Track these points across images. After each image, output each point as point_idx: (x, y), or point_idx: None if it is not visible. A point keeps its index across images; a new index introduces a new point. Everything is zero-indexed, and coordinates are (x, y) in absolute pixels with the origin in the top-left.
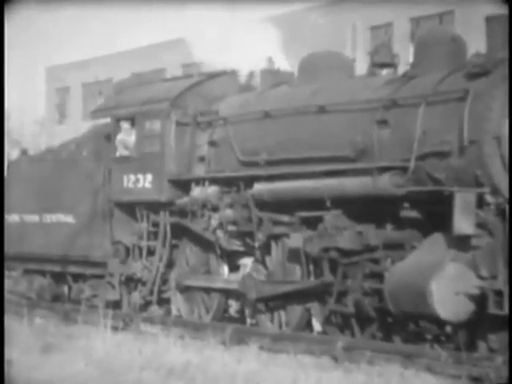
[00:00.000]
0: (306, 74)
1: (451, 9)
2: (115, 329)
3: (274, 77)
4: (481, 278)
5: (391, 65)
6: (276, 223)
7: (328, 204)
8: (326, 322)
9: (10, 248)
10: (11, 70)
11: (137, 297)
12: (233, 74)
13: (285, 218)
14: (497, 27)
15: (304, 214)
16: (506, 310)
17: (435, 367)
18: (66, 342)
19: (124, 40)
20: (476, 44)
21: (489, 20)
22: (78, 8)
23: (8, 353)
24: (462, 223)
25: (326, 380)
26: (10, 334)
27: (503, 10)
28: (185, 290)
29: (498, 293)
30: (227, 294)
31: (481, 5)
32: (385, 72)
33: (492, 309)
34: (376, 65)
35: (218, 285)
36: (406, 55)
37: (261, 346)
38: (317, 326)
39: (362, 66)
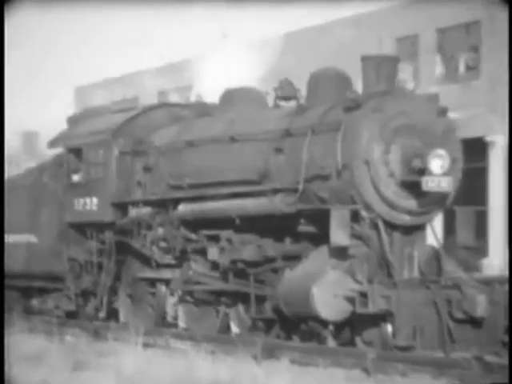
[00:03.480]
0: (224, 106)
1: (477, 19)
2: (145, 345)
3: (201, 108)
4: (358, 282)
5: (294, 97)
6: (188, 240)
7: (237, 222)
8: (242, 324)
9: None
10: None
11: (90, 307)
12: (170, 105)
13: (193, 236)
14: (370, 65)
15: (206, 232)
16: (371, 309)
17: (467, 378)
18: (96, 359)
19: (151, 57)
20: (502, 54)
21: (364, 59)
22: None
23: (39, 371)
24: (338, 236)
25: None
26: (41, 352)
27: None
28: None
29: (363, 294)
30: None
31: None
32: (288, 104)
33: (359, 308)
34: (280, 98)
35: (165, 275)
36: (431, 66)
37: (291, 360)
38: (235, 328)
39: None
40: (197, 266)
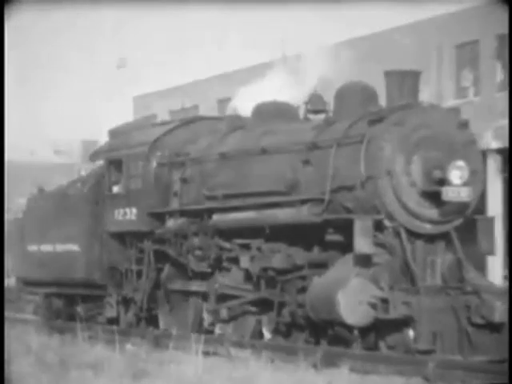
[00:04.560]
0: (257, 120)
1: None
2: (206, 354)
3: (235, 122)
4: (381, 289)
5: (323, 111)
6: (222, 249)
7: (267, 231)
8: (275, 331)
9: (30, 274)
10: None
11: (130, 314)
12: (206, 118)
13: (226, 245)
14: (393, 80)
15: (238, 241)
16: (392, 315)
17: None
18: (157, 368)
19: (212, 66)
20: None
21: (387, 74)
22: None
23: (100, 379)
24: (361, 244)
25: None
26: (102, 360)
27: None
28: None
29: (385, 301)
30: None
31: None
32: (317, 117)
33: (380, 314)
34: (309, 111)
35: (193, 288)
36: (492, 73)
37: (351, 368)
38: (267, 334)
39: (447, 85)
40: (224, 279)
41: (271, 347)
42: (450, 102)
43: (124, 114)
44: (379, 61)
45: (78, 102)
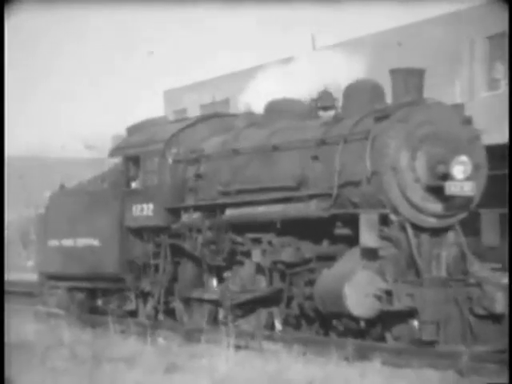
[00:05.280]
0: (269, 117)
1: None
2: (238, 347)
3: (248, 119)
4: (386, 281)
5: (332, 107)
6: (235, 243)
7: (278, 225)
8: (285, 322)
9: (52, 268)
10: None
11: (149, 307)
12: (220, 115)
13: (239, 239)
14: (399, 78)
15: (250, 235)
16: (396, 307)
17: None
18: (188, 361)
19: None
20: None
21: (392, 72)
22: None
23: (132, 373)
24: (367, 238)
25: None
26: (134, 354)
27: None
28: (185, 300)
29: (389, 293)
30: (217, 303)
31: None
32: (327, 114)
33: (385, 306)
34: (319, 108)
35: (206, 296)
36: None
37: (384, 361)
38: (278, 326)
39: (479, 79)
40: (233, 284)
41: (303, 340)
42: (482, 94)
43: (154, 109)
44: (407, 54)
45: (109, 98)
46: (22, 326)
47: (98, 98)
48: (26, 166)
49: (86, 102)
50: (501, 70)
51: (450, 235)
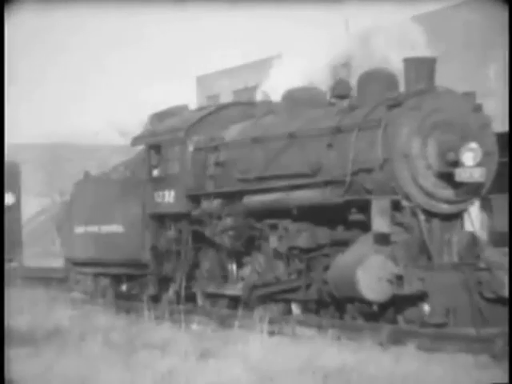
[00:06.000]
0: (287, 105)
1: None
2: (271, 333)
3: (267, 107)
4: (398, 266)
5: (347, 96)
6: (253, 229)
7: (294, 212)
8: (304, 308)
9: (77, 255)
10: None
11: (170, 293)
12: (240, 104)
13: (257, 225)
14: (411, 66)
15: (268, 221)
16: (406, 291)
17: None
18: (222, 347)
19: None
20: None
21: (405, 61)
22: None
23: (167, 359)
24: (379, 223)
25: (486, 379)
26: (168, 340)
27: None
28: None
29: (400, 277)
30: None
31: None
32: (342, 102)
33: (396, 290)
34: (335, 96)
35: (228, 292)
36: None
37: (418, 346)
38: (296, 311)
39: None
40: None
41: (337, 325)
42: None
43: (187, 95)
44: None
45: (142, 86)
46: (58, 312)
47: (131, 85)
48: (60, 153)
49: (120, 90)
50: None
51: (462, 220)
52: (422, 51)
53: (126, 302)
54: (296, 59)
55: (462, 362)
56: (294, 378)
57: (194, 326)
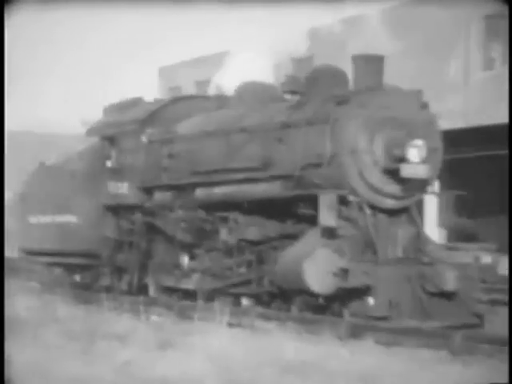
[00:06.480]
0: (240, 100)
1: None
2: (231, 325)
3: (220, 101)
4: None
5: (297, 92)
6: (204, 221)
7: (245, 205)
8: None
9: (31, 245)
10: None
11: (123, 283)
12: (194, 97)
13: (208, 217)
14: (360, 63)
15: (218, 214)
16: (351, 284)
17: None
18: (182, 339)
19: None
20: None
21: (354, 58)
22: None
23: (126, 350)
24: (326, 218)
25: (443, 374)
26: (128, 331)
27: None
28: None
29: (345, 270)
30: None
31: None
32: (292, 97)
33: (340, 283)
34: (286, 91)
35: (183, 285)
36: None
37: (377, 341)
38: (245, 301)
39: (475, 57)
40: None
41: (296, 319)
42: (477, 74)
43: (149, 87)
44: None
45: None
46: (14, 302)
47: (94, 74)
48: (25, 141)
49: (83, 84)
50: (497, 50)
51: (407, 216)
52: (383, 46)
53: (84, 292)
54: (244, 56)
55: (420, 356)
56: (253, 371)
57: (154, 318)
